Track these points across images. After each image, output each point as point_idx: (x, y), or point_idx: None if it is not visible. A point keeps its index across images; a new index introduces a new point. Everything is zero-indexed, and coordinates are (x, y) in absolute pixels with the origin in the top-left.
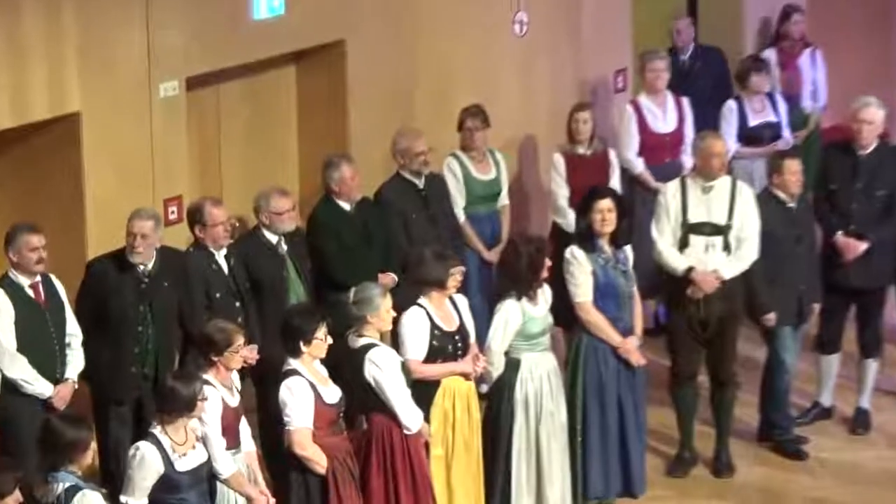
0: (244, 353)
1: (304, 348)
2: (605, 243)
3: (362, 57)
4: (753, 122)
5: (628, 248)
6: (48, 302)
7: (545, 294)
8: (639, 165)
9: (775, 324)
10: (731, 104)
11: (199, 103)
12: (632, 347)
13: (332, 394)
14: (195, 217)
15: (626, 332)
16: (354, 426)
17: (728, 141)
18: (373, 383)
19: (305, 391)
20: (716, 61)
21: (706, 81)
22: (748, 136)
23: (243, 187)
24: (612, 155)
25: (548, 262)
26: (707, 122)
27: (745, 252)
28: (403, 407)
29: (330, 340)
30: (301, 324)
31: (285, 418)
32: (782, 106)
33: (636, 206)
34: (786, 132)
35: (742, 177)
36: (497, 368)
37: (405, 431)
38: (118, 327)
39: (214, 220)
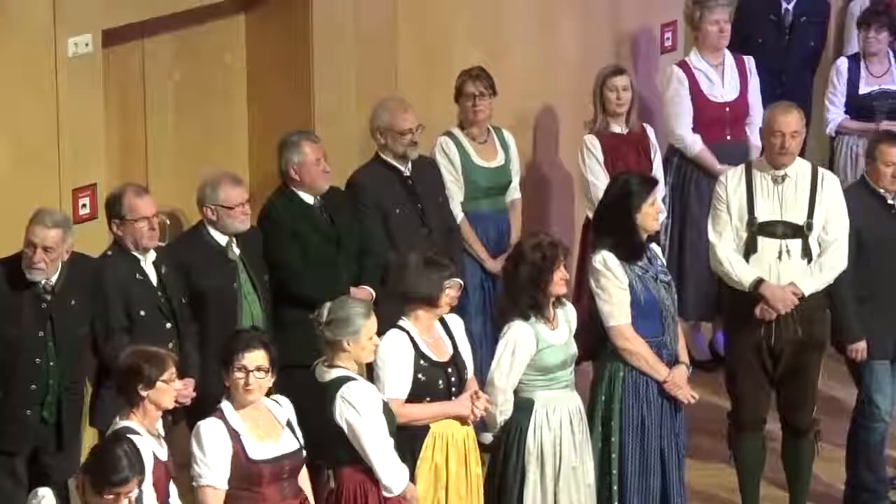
0: (178, 387)
1: (227, 382)
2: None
3: (331, 4)
4: (866, 88)
5: (657, 248)
6: None
7: (567, 314)
8: (696, 143)
9: (867, 356)
10: (841, 63)
11: (119, 64)
12: (682, 381)
13: (270, 448)
14: (113, 210)
15: (671, 361)
16: (318, 482)
17: (832, 110)
18: (345, 428)
19: (220, 439)
20: (821, 11)
21: (810, 42)
22: (858, 107)
23: (175, 173)
24: (652, 133)
25: (563, 276)
26: (798, 95)
27: (831, 260)
28: (384, 461)
29: (262, 378)
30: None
31: (192, 472)
32: None
33: (690, 199)
34: None
35: (847, 159)
36: (503, 411)
37: (384, 493)
38: (10, 359)
39: (137, 213)
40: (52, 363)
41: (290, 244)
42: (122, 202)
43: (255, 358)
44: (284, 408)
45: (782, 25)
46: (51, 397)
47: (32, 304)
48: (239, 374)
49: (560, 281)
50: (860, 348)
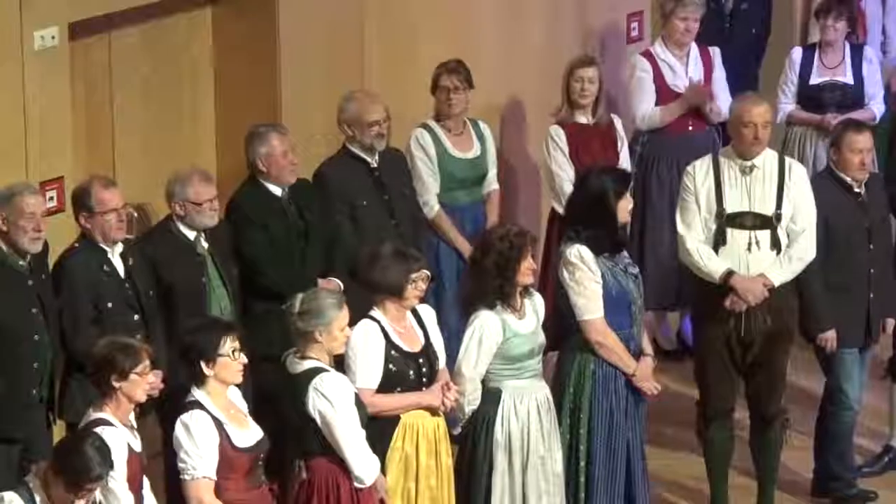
0: (151, 379)
1: (207, 371)
2: None
3: None
4: (817, 79)
5: None
6: None
7: (535, 304)
8: (656, 111)
9: (835, 345)
10: (795, 53)
11: (86, 57)
12: (648, 373)
13: (247, 436)
14: (81, 203)
15: (637, 353)
16: (290, 475)
17: (783, 100)
18: (318, 420)
19: (207, 430)
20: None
21: (752, 29)
22: (808, 98)
23: (142, 166)
24: (619, 124)
25: (530, 265)
26: (741, 83)
27: (800, 250)
28: (356, 452)
29: (244, 359)
30: (198, 339)
31: (180, 465)
32: (870, 67)
33: (651, 188)
34: (874, 103)
35: (796, 149)
36: (471, 400)
37: (356, 484)
38: (13, 341)
39: (105, 205)
40: (46, 339)
41: (258, 236)
42: (90, 194)
43: (236, 341)
44: (239, 396)
45: (723, 13)
46: (46, 375)
47: (19, 283)
48: (227, 359)
49: (527, 270)
50: (830, 337)
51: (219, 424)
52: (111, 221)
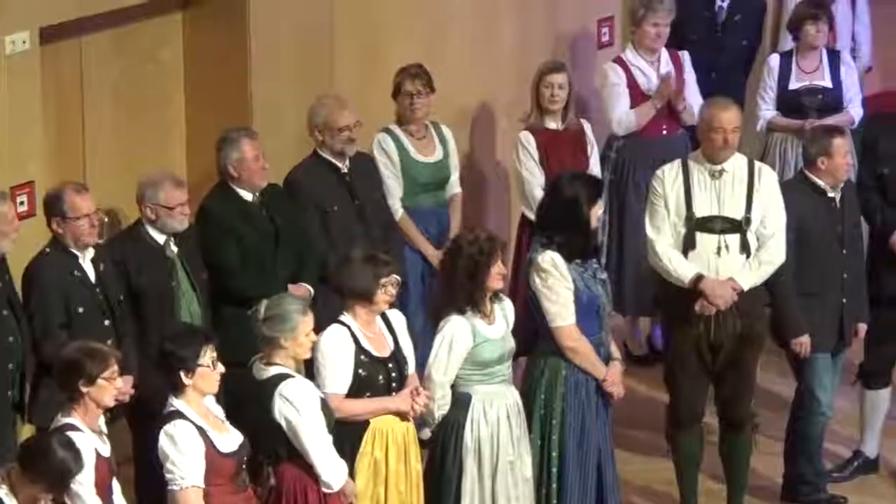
0: (119, 385)
1: (186, 380)
2: None
3: (268, 1)
4: (796, 84)
5: None
6: None
7: (505, 309)
8: (631, 114)
9: (809, 350)
10: (773, 59)
11: (57, 61)
12: (618, 378)
13: (230, 440)
14: (54, 208)
15: (606, 358)
16: (259, 480)
17: (763, 107)
18: (284, 426)
19: (192, 439)
20: (755, 10)
21: (743, 41)
22: (788, 103)
23: (113, 170)
24: (589, 129)
25: (500, 270)
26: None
27: (769, 254)
28: (323, 457)
29: (221, 368)
30: (178, 349)
31: (167, 475)
32: (848, 70)
33: (628, 195)
34: (852, 106)
35: (777, 156)
36: (441, 405)
37: (324, 489)
38: None
39: (78, 211)
40: (19, 341)
41: (228, 241)
42: (63, 200)
43: (214, 351)
44: (214, 402)
45: (715, 23)
46: (18, 378)
47: None
48: (207, 369)
49: (497, 276)
50: (804, 342)
51: (202, 432)
52: (83, 227)
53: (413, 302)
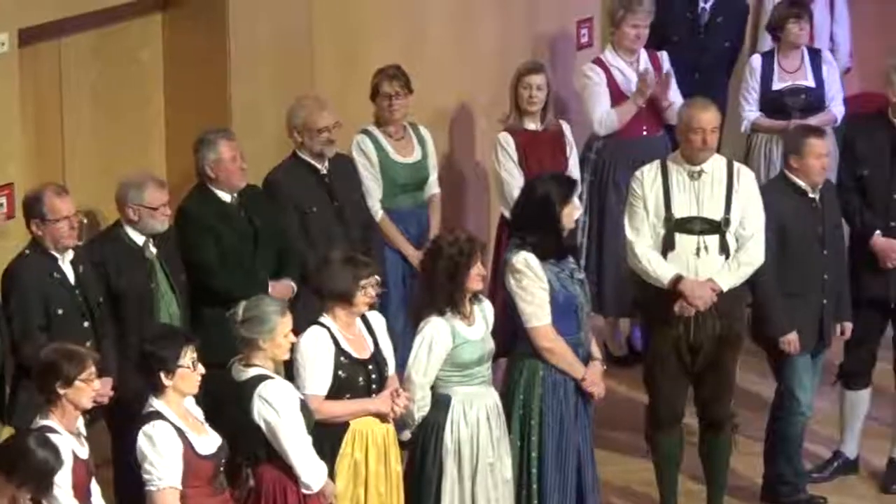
0: (97, 386)
1: (166, 381)
2: None
3: (248, 2)
4: (779, 84)
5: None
6: None
7: (484, 310)
8: (612, 113)
9: (798, 348)
10: (755, 60)
11: (36, 63)
12: (598, 377)
13: (209, 442)
14: (33, 210)
15: (585, 358)
16: (238, 482)
17: (746, 108)
18: (263, 427)
19: (171, 440)
20: (738, 12)
21: (725, 42)
22: (772, 103)
23: (92, 172)
24: (568, 130)
25: (479, 271)
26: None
27: (748, 255)
28: (302, 458)
29: (201, 370)
30: (158, 350)
31: (145, 476)
32: (829, 69)
33: (608, 196)
34: (834, 104)
35: (761, 157)
36: (420, 407)
37: (304, 490)
38: None
39: (58, 213)
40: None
41: (207, 240)
42: (43, 202)
43: (195, 352)
44: (193, 404)
45: (697, 24)
46: None
47: None
48: (187, 371)
49: (476, 277)
50: (791, 340)
51: (181, 433)
52: (63, 229)
53: (394, 303)
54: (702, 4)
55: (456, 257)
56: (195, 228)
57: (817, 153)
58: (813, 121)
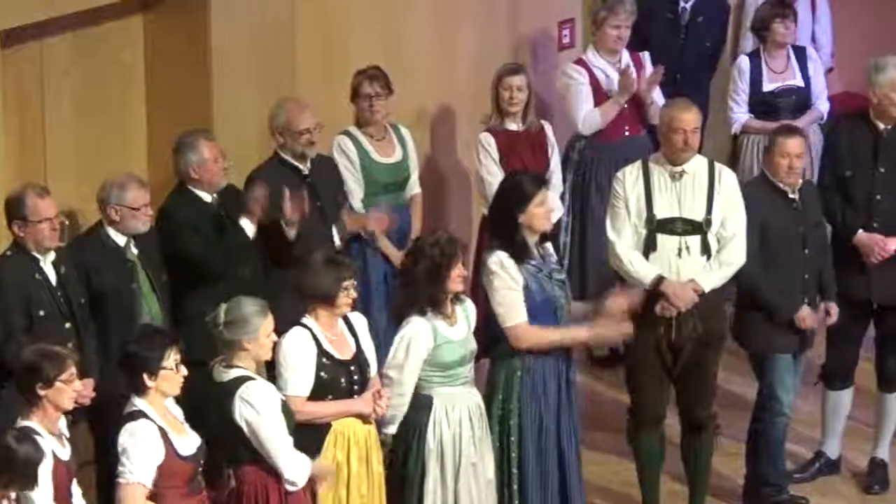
0: (77, 387)
1: (149, 382)
2: (533, 244)
3: (229, 3)
4: (770, 85)
5: (549, 246)
6: None
7: (467, 311)
8: (594, 112)
9: (768, 350)
10: (743, 62)
11: (17, 64)
12: (608, 323)
13: (189, 443)
14: (15, 211)
15: (567, 359)
16: (216, 482)
17: (736, 110)
18: (245, 428)
19: (152, 439)
20: (719, 11)
21: (706, 42)
22: (763, 105)
23: (74, 173)
24: (550, 130)
25: (460, 272)
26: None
27: (730, 255)
28: (285, 456)
29: (184, 371)
30: (142, 350)
31: (119, 468)
32: (815, 66)
33: (590, 196)
34: (819, 102)
35: (753, 158)
36: (395, 404)
37: (289, 487)
38: None
39: (40, 214)
40: None
41: (192, 237)
42: (25, 203)
43: (178, 353)
44: (174, 403)
45: (678, 24)
46: None
47: None
48: (170, 372)
49: (457, 278)
50: (806, 314)
51: (163, 434)
52: (45, 230)
53: (376, 303)
54: (682, 4)
55: (437, 258)
56: (179, 227)
57: (782, 152)
58: (801, 121)
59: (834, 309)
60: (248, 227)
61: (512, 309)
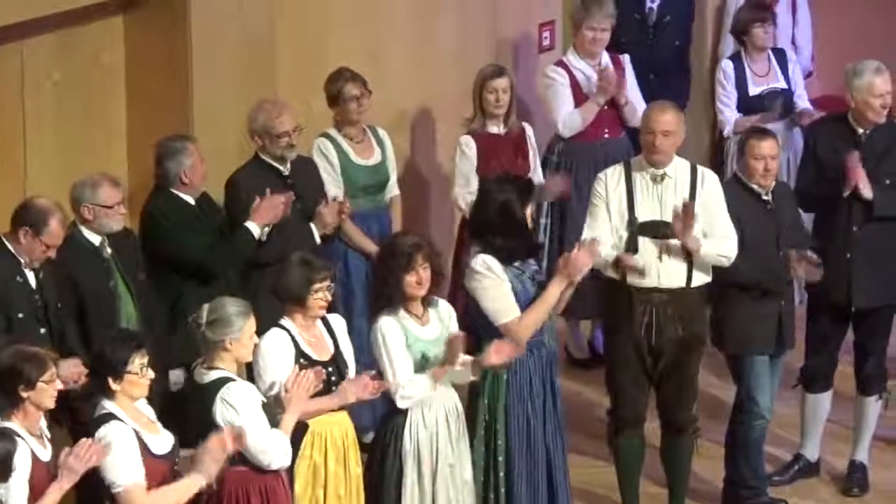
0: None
1: (114, 386)
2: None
3: (210, 5)
4: (755, 89)
5: None
6: None
7: (440, 313)
8: (575, 112)
9: (746, 353)
10: (727, 66)
11: None
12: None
13: (162, 442)
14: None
15: (550, 358)
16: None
17: (727, 112)
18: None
19: (126, 439)
20: (685, 10)
21: (675, 41)
22: (750, 108)
23: (54, 174)
24: (531, 133)
25: (418, 278)
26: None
27: (725, 248)
28: (271, 451)
29: (151, 375)
30: (108, 353)
31: (108, 480)
32: (794, 66)
33: (570, 198)
34: (801, 101)
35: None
36: (405, 397)
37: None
38: None
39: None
40: None
41: (184, 235)
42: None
43: (145, 357)
44: (144, 403)
45: (646, 25)
46: None
47: None
48: (135, 377)
49: (414, 283)
50: (810, 256)
51: (136, 434)
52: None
53: (359, 303)
54: (649, 4)
55: (393, 262)
56: (168, 228)
57: (755, 154)
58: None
59: (812, 255)
60: (255, 229)
61: (504, 305)
